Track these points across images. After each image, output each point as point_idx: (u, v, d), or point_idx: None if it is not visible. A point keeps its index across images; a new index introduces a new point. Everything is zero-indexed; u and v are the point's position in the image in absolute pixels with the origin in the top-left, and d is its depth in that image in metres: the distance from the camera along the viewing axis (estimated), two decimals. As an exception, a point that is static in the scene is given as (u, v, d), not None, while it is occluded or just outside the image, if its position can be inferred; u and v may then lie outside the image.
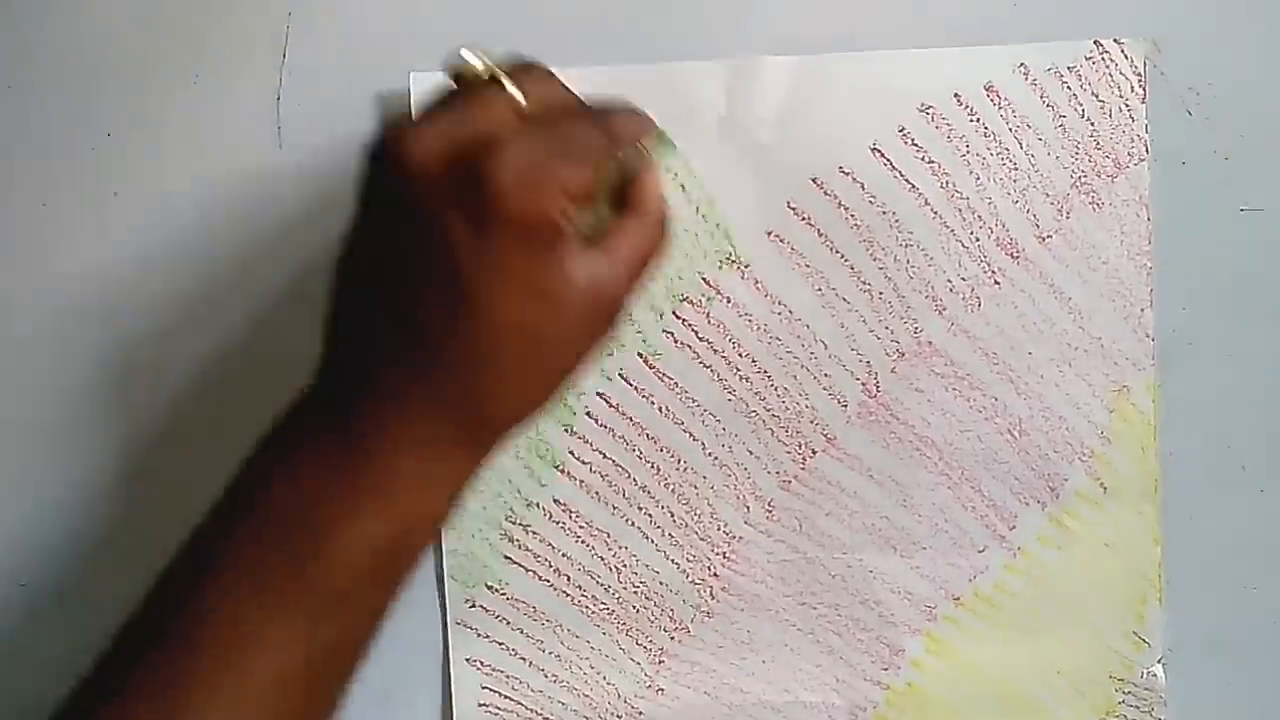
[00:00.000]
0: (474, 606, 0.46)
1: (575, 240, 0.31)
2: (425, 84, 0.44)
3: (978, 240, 0.44)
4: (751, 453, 0.45)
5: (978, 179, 0.44)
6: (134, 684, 0.31)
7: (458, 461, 0.32)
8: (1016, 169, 0.44)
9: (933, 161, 0.44)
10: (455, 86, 0.32)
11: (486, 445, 0.33)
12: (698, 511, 0.45)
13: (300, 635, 0.31)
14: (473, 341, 0.30)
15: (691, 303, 0.45)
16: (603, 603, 0.46)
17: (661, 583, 0.46)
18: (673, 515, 0.45)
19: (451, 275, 0.30)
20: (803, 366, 0.45)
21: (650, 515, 0.45)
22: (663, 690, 0.46)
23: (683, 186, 0.44)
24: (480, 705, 0.46)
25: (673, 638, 0.46)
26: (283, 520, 0.31)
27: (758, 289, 0.45)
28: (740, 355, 0.45)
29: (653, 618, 0.46)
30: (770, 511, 0.46)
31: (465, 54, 0.32)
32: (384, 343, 0.31)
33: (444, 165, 0.30)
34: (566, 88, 0.34)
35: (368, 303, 0.32)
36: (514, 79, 0.32)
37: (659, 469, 0.45)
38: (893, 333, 0.45)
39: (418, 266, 0.30)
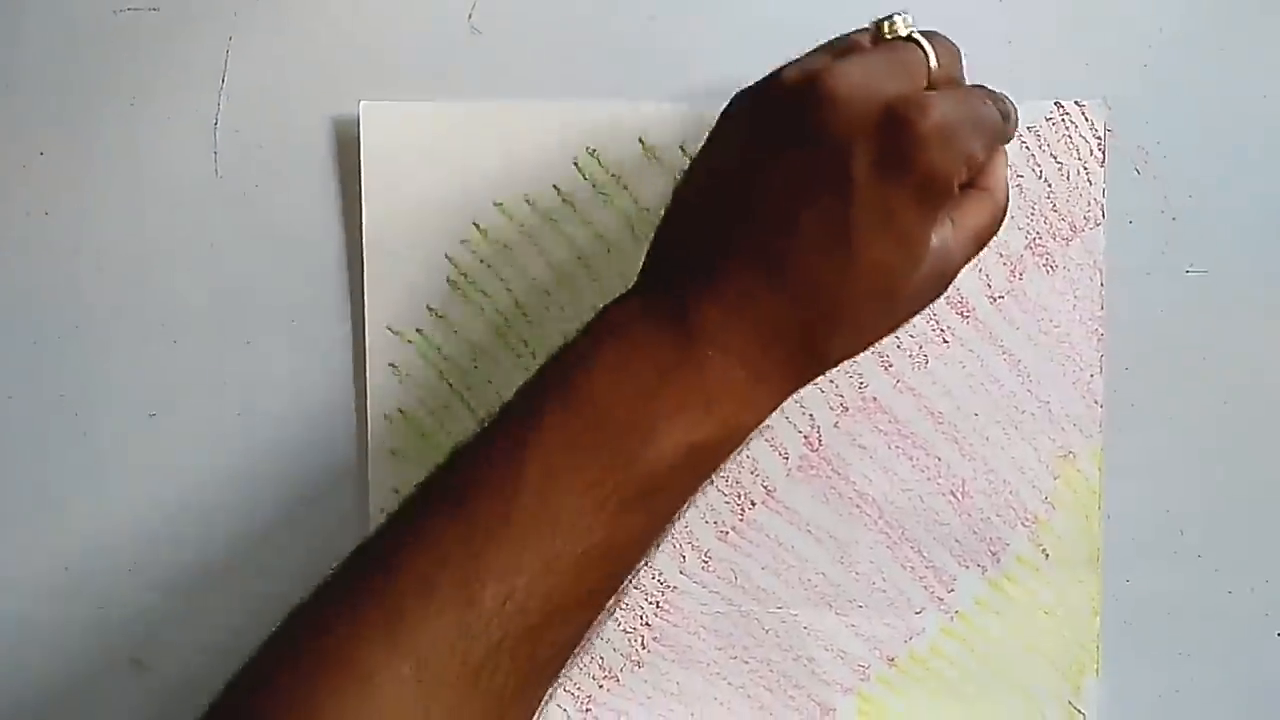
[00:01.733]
0: (400, 646, 0.45)
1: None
2: (375, 113, 0.43)
3: (928, 298, 0.44)
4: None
5: (931, 236, 0.44)
6: (439, 539, 0.31)
7: (780, 384, 0.33)
8: (971, 227, 0.44)
9: (886, 216, 0.43)
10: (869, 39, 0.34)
11: (806, 377, 0.34)
12: (632, 559, 0.45)
13: (608, 521, 0.31)
14: (839, 276, 0.31)
15: (635, 347, 0.44)
16: (531, 648, 0.45)
17: (592, 630, 0.45)
18: (606, 562, 0.45)
19: (842, 208, 0.31)
20: (745, 417, 0.44)
21: (584, 561, 0.45)
22: (588, 739, 0.45)
23: (632, 227, 0.43)
24: (402, 746, 0.45)
25: (601, 686, 0.45)
26: (608, 406, 0.31)
27: (703, 336, 0.44)
28: (683, 403, 0.44)
29: (582, 665, 0.45)
30: (706, 562, 0.45)
31: (896, 16, 0.33)
32: (745, 255, 0.32)
33: (869, 104, 0.31)
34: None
35: (737, 211, 0.32)
36: (930, 39, 0.33)
37: (595, 514, 0.44)
38: (837, 386, 0.44)
39: (810, 191, 0.31)
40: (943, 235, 0.33)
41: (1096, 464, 0.44)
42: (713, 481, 0.44)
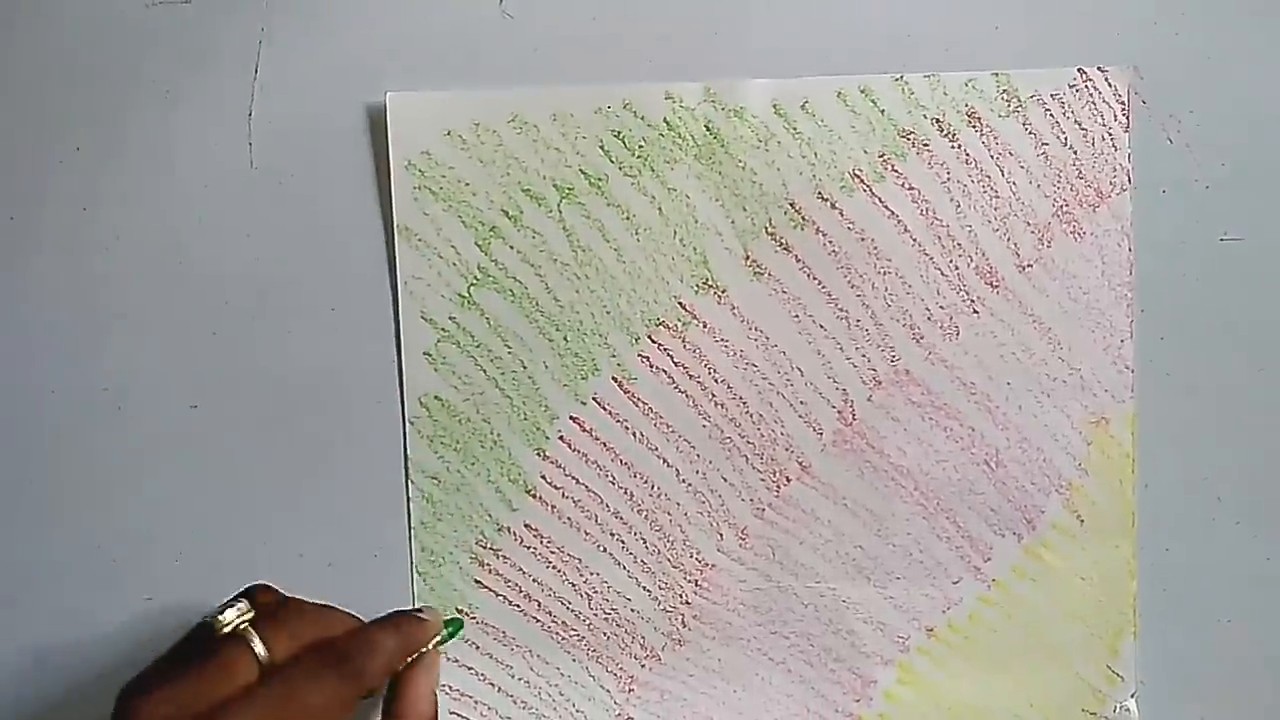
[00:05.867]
0: (443, 630, 0.45)
1: None
2: (402, 103, 0.43)
3: (957, 269, 0.44)
4: (725, 479, 0.45)
5: (958, 206, 0.44)
6: None
7: None
8: (998, 197, 0.44)
9: (913, 188, 0.44)
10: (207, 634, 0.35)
11: None
12: (670, 538, 0.45)
13: None
14: None
15: (667, 327, 0.44)
16: (573, 629, 0.45)
17: (633, 610, 0.45)
18: (645, 542, 0.45)
19: None
20: (778, 393, 0.44)
21: (623, 541, 0.45)
22: (632, 719, 0.45)
23: (660, 209, 0.44)
24: (448, 730, 0.45)
25: (643, 665, 0.45)
26: None
27: (734, 314, 0.44)
28: (716, 381, 0.44)
29: (623, 645, 0.45)
30: (743, 539, 0.45)
31: (228, 611, 0.35)
32: None
33: None
34: (327, 617, 0.37)
35: None
36: (265, 626, 0.34)
37: (632, 495, 0.45)
38: (870, 361, 0.44)
39: None
40: None
41: (1129, 429, 0.45)
42: (747, 459, 0.44)
